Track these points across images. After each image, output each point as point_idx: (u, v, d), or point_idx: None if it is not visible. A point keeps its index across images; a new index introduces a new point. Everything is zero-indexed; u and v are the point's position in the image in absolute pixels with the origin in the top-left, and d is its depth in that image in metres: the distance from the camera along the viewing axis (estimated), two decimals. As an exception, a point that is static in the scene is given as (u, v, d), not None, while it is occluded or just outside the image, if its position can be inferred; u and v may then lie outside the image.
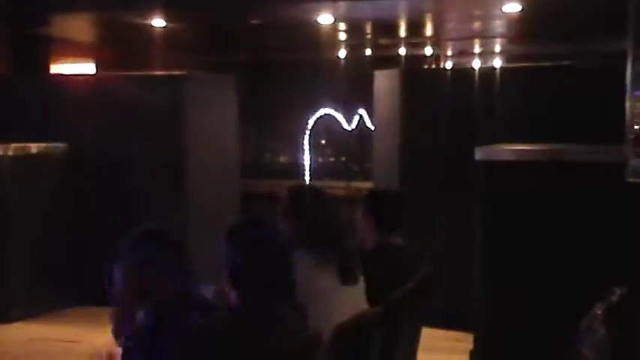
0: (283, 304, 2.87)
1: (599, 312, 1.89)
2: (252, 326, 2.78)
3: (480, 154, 5.50)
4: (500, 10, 8.03)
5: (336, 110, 12.09)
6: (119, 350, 2.63)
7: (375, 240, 4.09)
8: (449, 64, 13.33)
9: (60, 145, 7.38)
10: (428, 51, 12.53)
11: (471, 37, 11.33)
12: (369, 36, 11.12)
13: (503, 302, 5.41)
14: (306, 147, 11.55)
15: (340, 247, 3.51)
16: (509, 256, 5.39)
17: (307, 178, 11.39)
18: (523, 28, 9.96)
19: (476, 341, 5.61)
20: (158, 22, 8.77)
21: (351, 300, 3.47)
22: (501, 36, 11.08)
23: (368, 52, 12.69)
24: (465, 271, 5.84)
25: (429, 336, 4.22)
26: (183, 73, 7.73)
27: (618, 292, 1.98)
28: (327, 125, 12.29)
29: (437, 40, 11.57)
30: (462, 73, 7.99)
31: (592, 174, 5.12)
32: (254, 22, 9.06)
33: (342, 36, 11.01)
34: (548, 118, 6.33)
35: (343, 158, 13.63)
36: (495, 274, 5.45)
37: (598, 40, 10.54)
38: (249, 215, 3.06)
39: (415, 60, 12.78)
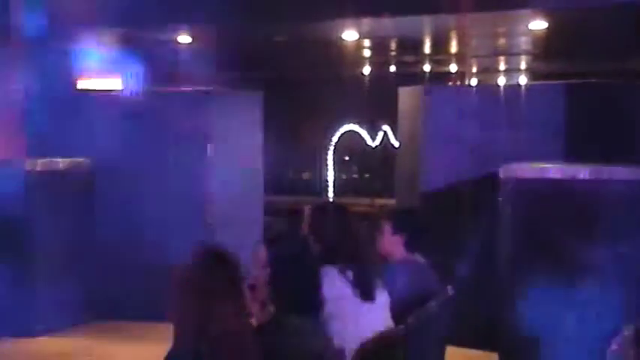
0: (309, 321, 2.87)
1: (628, 333, 1.86)
2: (276, 341, 2.78)
3: (505, 172, 5.46)
4: (526, 27, 8.01)
5: (360, 127, 12.10)
6: None
7: (399, 257, 4.09)
8: (474, 81, 13.31)
9: (86, 161, 7.43)
10: (452, 68, 12.53)
11: (496, 55, 11.31)
12: (393, 53, 11.13)
13: (529, 322, 5.36)
14: (330, 163, 11.56)
15: (364, 264, 3.50)
16: (534, 275, 5.34)
17: (331, 194, 11.38)
18: (549, 46, 9.92)
19: (501, 361, 5.56)
20: (184, 38, 8.83)
21: (375, 317, 3.46)
22: (527, 53, 11.05)
23: (392, 68, 12.71)
24: (490, 289, 5.79)
25: (454, 355, 4.19)
26: (208, 89, 7.77)
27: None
28: (350, 142, 12.30)
29: (462, 57, 11.55)
30: (486, 90, 7.96)
31: (619, 193, 5.07)
32: (279, 39, 9.10)
33: (367, 53, 11.04)
34: (574, 136, 6.28)
35: (367, 175, 13.62)
36: (520, 294, 5.40)
37: (625, 57, 10.48)
38: (285, 230, 3.07)
39: (440, 77, 12.77)
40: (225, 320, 2.52)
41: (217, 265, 2.62)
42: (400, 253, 4.07)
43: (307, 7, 7.07)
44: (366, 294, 3.45)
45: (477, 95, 7.02)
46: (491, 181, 5.66)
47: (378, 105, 12.04)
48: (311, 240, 3.46)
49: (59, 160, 7.22)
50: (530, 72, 13.33)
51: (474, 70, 13.02)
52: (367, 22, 7.99)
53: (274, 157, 12.85)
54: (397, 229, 4.08)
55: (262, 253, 2.95)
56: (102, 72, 10.38)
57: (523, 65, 12.58)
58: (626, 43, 8.91)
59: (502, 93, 6.90)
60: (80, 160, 7.40)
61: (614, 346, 1.84)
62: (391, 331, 3.43)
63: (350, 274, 3.44)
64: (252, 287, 3.03)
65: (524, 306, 5.39)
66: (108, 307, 7.29)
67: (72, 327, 7.09)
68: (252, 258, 2.99)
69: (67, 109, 7.69)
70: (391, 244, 4.08)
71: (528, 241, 5.38)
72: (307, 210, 3.67)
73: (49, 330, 6.92)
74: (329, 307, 3.04)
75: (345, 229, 3.57)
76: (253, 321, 3.04)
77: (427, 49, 10.47)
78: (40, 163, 7.02)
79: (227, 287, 2.57)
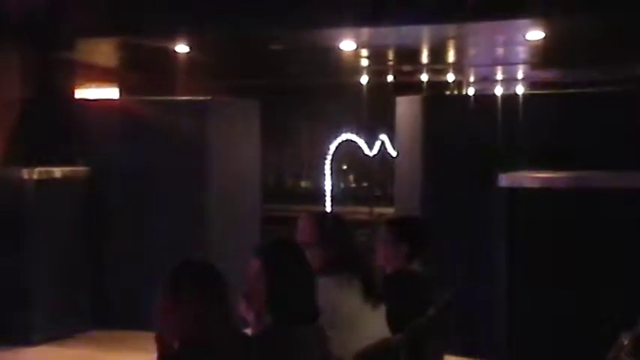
0: (306, 330, 2.87)
1: (625, 342, 1.86)
2: (274, 351, 2.77)
3: (503, 180, 5.47)
4: (523, 37, 8.02)
5: (357, 136, 12.10)
6: None
7: (396, 266, 4.08)
8: (471, 91, 13.32)
9: (83, 169, 7.44)
10: (450, 77, 12.53)
11: (493, 64, 11.33)
12: (391, 62, 11.14)
13: (526, 329, 5.36)
14: (328, 172, 11.56)
15: (363, 272, 3.50)
16: (532, 283, 5.34)
17: (329, 203, 11.38)
18: (546, 55, 9.94)
19: (498, 370, 5.56)
20: (182, 47, 8.84)
21: (373, 326, 3.46)
22: (524, 63, 11.06)
23: (390, 78, 12.71)
24: (488, 298, 5.80)
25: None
26: (207, 98, 7.78)
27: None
28: (348, 151, 12.30)
29: (459, 67, 11.57)
30: (484, 99, 7.98)
31: (616, 201, 5.08)
32: (277, 48, 9.11)
33: (365, 62, 11.04)
34: (572, 145, 6.29)
35: (365, 184, 13.62)
36: (518, 302, 5.41)
37: (621, 67, 10.50)
38: (279, 238, 3.06)
39: (437, 86, 12.78)
40: (208, 331, 2.52)
41: (199, 276, 2.62)
42: (397, 262, 4.06)
43: (304, 16, 7.08)
44: (366, 303, 3.44)
45: (475, 104, 7.04)
46: (490, 189, 5.66)
47: (375, 114, 12.05)
48: (309, 249, 3.46)
49: (56, 168, 7.22)
50: (528, 81, 13.34)
51: (472, 79, 13.04)
52: (365, 32, 8.00)
53: (272, 166, 12.86)
54: (400, 238, 4.07)
55: (258, 261, 2.94)
56: (100, 80, 10.39)
57: (520, 75, 12.59)
58: (624, 51, 8.94)
59: (499, 102, 6.91)
60: (78, 168, 7.40)
61: (611, 355, 1.84)
62: (389, 340, 3.43)
63: (349, 283, 3.44)
64: (248, 296, 3.02)
65: (524, 314, 5.39)
66: (108, 315, 7.28)
67: (72, 336, 7.08)
68: (248, 267, 2.98)
69: (66, 116, 7.70)
70: (388, 252, 4.08)
71: (528, 249, 5.39)
72: (302, 219, 3.65)
73: (49, 339, 6.90)
74: (327, 317, 3.03)
75: (344, 239, 3.56)
76: (249, 331, 3.04)
77: (425, 58, 10.49)
78: (38, 172, 7.01)
79: (209, 299, 2.57)
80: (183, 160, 7.34)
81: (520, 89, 13.24)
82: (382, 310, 3.56)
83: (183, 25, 7.54)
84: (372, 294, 3.48)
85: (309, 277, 2.95)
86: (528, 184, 5.39)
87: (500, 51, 9.79)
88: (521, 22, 7.27)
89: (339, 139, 11.83)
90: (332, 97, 12.66)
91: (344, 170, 13.53)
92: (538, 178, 5.43)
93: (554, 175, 5.44)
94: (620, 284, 5.03)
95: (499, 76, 12.80)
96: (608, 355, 1.97)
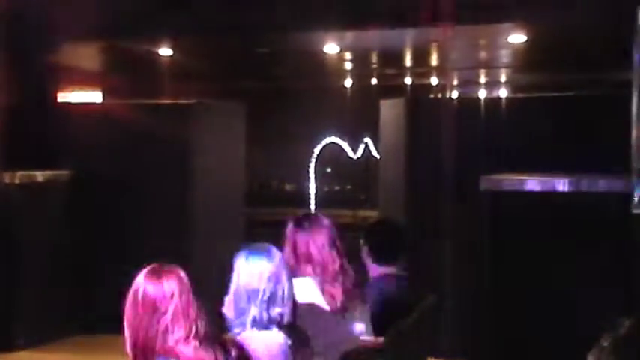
0: (286, 333, 2.87)
1: (605, 344, 1.87)
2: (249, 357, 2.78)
3: (484, 183, 5.50)
4: (506, 40, 8.08)
5: (341, 139, 12.13)
6: None
7: (377, 270, 4.08)
8: (454, 94, 13.37)
9: (66, 174, 7.40)
10: (433, 80, 12.58)
11: (476, 67, 11.38)
12: (375, 65, 11.18)
13: (509, 332, 5.39)
14: (312, 175, 11.57)
15: (345, 275, 3.50)
16: (514, 285, 5.37)
17: (313, 206, 11.40)
18: (528, 59, 10.00)
19: (482, 372, 5.58)
20: (165, 51, 8.83)
21: (356, 329, 3.46)
22: (507, 66, 11.12)
23: (374, 81, 12.75)
24: (471, 300, 5.82)
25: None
26: (191, 101, 7.77)
27: (626, 322, 1.96)
28: (332, 154, 12.33)
29: (442, 70, 11.62)
30: (467, 102, 8.02)
31: (597, 204, 5.12)
32: (261, 51, 9.12)
33: (349, 65, 11.07)
34: (553, 148, 6.33)
35: (349, 187, 13.64)
36: (501, 305, 5.43)
37: (602, 70, 10.58)
38: (252, 244, 3.06)
39: (421, 89, 12.82)
40: (173, 337, 2.53)
41: (166, 281, 2.62)
42: (376, 265, 4.05)
43: (289, 19, 7.10)
44: (347, 306, 3.42)
45: (458, 107, 7.08)
46: (473, 192, 5.68)
47: (359, 117, 12.08)
48: (291, 251, 3.46)
49: (38, 172, 7.18)
50: (511, 84, 13.41)
51: (455, 82, 13.09)
52: (349, 35, 8.03)
53: (257, 169, 12.84)
54: (369, 242, 4.06)
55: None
56: (83, 84, 10.36)
57: (503, 78, 12.66)
58: (605, 54, 9.01)
59: (482, 105, 6.95)
60: (61, 172, 7.37)
61: (591, 357, 1.85)
62: (372, 342, 3.43)
63: (331, 285, 3.44)
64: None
65: (502, 316, 5.41)
66: (93, 320, 7.24)
67: (57, 340, 7.04)
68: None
69: (49, 120, 7.66)
70: (366, 256, 4.07)
71: (509, 252, 5.41)
72: (289, 222, 3.64)
73: (33, 343, 6.86)
74: (308, 320, 3.04)
75: (324, 241, 3.55)
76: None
77: (408, 61, 10.53)
78: (20, 176, 6.98)
79: (177, 304, 2.57)
80: (167, 163, 7.32)
81: (503, 92, 13.30)
82: (364, 313, 3.55)
83: (167, 29, 7.54)
84: (353, 297, 3.45)
85: (278, 279, 2.92)
86: (509, 187, 5.42)
87: (483, 54, 9.85)
88: (504, 26, 7.32)
89: (324, 142, 11.85)
90: (316, 100, 12.67)
91: (328, 173, 13.54)
92: (519, 180, 5.46)
93: (535, 178, 5.47)
94: (602, 287, 5.06)
95: (482, 80, 12.87)
96: (588, 357, 1.99)
